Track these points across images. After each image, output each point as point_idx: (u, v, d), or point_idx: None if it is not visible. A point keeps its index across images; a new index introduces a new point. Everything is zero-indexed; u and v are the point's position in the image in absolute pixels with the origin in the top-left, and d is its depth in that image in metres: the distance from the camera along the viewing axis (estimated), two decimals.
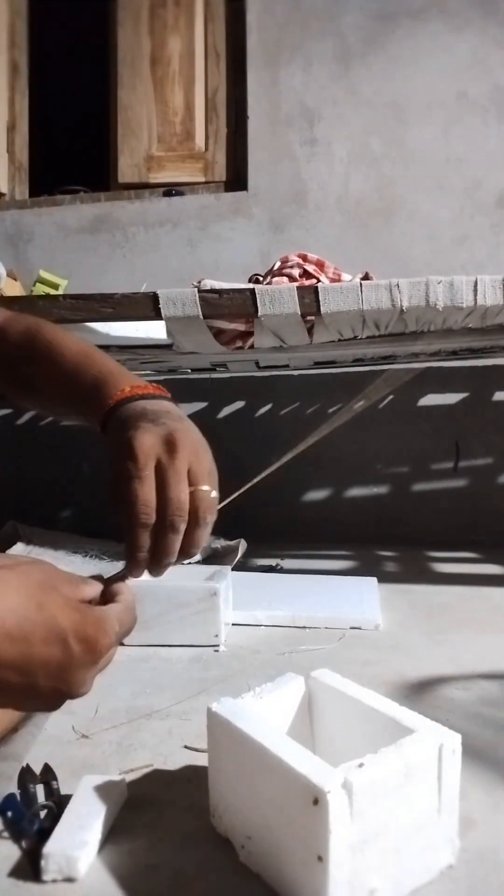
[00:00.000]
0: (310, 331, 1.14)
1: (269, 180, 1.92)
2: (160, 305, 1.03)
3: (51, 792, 0.56)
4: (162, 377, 1.91)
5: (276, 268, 1.29)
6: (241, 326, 1.18)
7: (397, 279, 1.01)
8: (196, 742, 0.68)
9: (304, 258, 1.28)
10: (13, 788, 0.56)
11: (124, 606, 0.50)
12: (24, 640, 0.41)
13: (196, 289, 1.05)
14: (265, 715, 0.54)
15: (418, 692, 0.82)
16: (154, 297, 1.04)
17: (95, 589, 0.51)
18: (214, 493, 0.56)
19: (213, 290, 1.04)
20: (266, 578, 1.34)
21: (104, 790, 0.56)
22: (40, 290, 1.33)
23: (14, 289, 1.35)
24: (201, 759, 0.65)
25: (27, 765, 0.59)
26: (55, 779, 0.58)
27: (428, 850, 0.47)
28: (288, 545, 1.68)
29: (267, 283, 1.25)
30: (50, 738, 0.70)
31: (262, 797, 0.48)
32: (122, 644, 0.53)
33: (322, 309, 1.01)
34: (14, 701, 0.45)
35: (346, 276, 1.29)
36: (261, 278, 1.32)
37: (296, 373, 1.87)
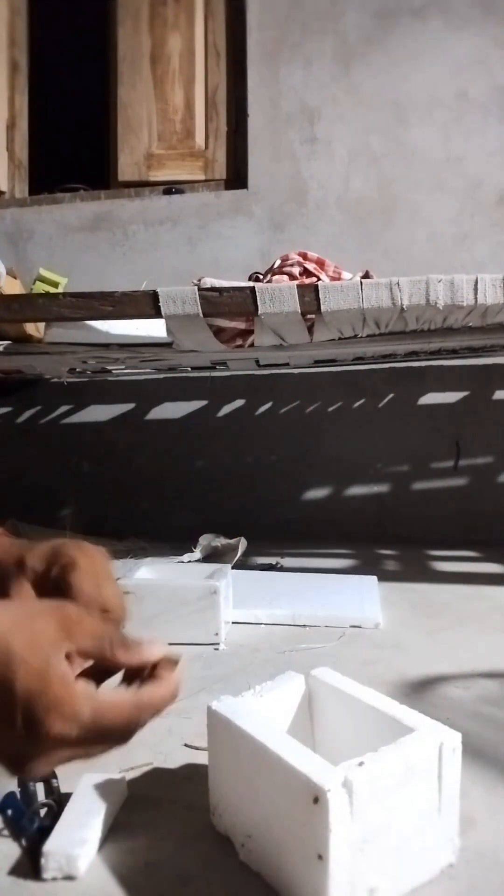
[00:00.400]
0: (310, 329, 1.14)
1: (270, 179, 1.92)
2: (160, 303, 1.03)
3: (51, 790, 0.56)
4: (162, 375, 1.91)
5: (276, 266, 1.29)
6: (241, 325, 1.18)
7: (398, 278, 1.01)
8: (196, 740, 0.68)
9: (305, 256, 1.28)
10: (13, 787, 0.56)
11: (127, 700, 0.41)
12: None
13: (196, 287, 1.05)
14: (265, 713, 0.54)
15: (418, 691, 0.82)
16: (154, 296, 1.04)
17: (103, 648, 0.42)
18: None
19: (213, 289, 1.04)
20: (266, 577, 1.34)
21: (104, 788, 0.56)
22: (40, 288, 1.33)
23: (14, 287, 1.34)
24: (201, 758, 0.65)
25: None
26: (55, 777, 0.58)
27: (428, 849, 0.47)
28: (288, 543, 1.68)
29: (267, 282, 1.25)
30: None
31: (262, 796, 0.48)
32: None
33: (322, 307, 1.01)
34: None
35: (346, 275, 1.28)
36: (261, 277, 1.31)
37: (296, 371, 1.87)
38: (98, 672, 0.43)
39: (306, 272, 1.25)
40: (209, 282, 1.11)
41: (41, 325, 1.25)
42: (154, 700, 0.41)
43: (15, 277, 1.38)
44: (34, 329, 1.25)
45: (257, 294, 1.02)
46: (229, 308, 1.04)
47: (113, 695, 0.41)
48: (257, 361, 1.62)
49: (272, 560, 1.52)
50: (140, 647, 0.43)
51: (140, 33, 2.05)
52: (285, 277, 1.24)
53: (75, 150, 2.55)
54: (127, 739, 0.41)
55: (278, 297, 1.01)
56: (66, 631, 0.41)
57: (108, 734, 0.40)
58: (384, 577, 1.33)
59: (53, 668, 0.38)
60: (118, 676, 0.44)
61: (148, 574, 1.06)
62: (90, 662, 0.43)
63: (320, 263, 1.28)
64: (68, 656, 0.40)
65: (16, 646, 0.38)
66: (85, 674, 0.42)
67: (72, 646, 0.40)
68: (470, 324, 1.13)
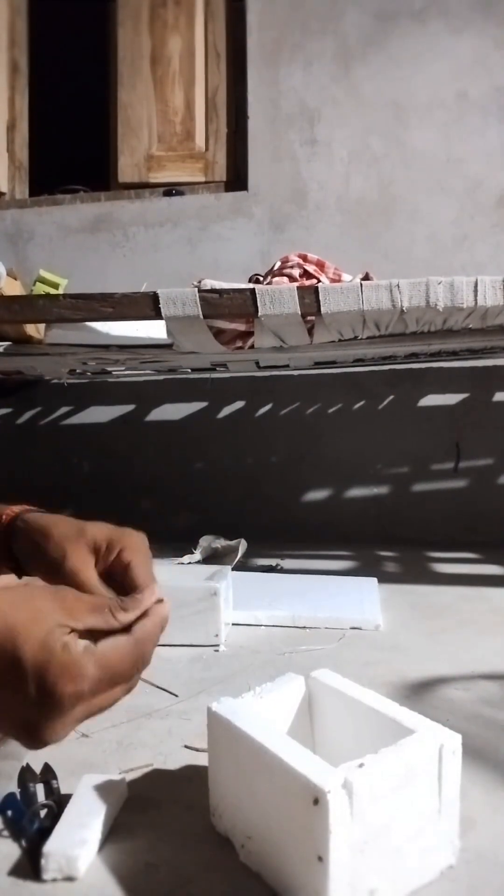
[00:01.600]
0: (310, 331, 1.14)
1: (270, 180, 1.92)
2: (160, 305, 1.03)
3: (51, 791, 0.56)
4: (162, 377, 1.91)
5: (276, 268, 1.29)
6: (241, 326, 1.18)
7: (398, 279, 1.01)
8: (196, 742, 0.68)
9: (305, 258, 1.28)
10: (13, 787, 0.56)
11: (124, 642, 0.44)
12: None
13: (196, 288, 1.05)
14: (265, 714, 0.54)
15: (419, 692, 0.82)
16: (154, 297, 1.04)
17: (105, 618, 0.45)
18: None
19: (213, 290, 1.04)
20: (266, 578, 1.34)
21: (104, 789, 0.55)
22: (40, 289, 1.33)
23: (14, 288, 1.35)
24: (201, 759, 0.65)
25: (27, 764, 0.59)
26: (55, 778, 0.58)
27: (428, 850, 0.47)
28: (288, 545, 1.68)
29: (267, 283, 1.25)
30: None
31: (262, 797, 0.48)
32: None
33: (322, 309, 1.01)
34: None
35: (346, 277, 1.29)
36: (261, 278, 1.32)
37: (296, 373, 1.87)
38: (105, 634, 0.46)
39: (306, 274, 1.25)
40: (209, 283, 1.11)
41: (41, 326, 1.25)
42: (148, 632, 0.45)
43: (15, 278, 1.38)
44: (34, 330, 1.25)
45: (257, 296, 1.02)
46: (229, 310, 1.04)
47: (111, 642, 0.44)
48: (257, 363, 1.62)
49: (272, 562, 1.52)
50: (137, 599, 0.47)
51: (140, 35, 2.05)
52: (285, 279, 1.24)
53: (75, 151, 2.55)
54: (135, 678, 0.45)
55: (278, 298, 1.02)
56: (67, 610, 0.43)
57: (118, 678, 0.44)
58: (384, 578, 1.33)
59: (55, 638, 0.41)
60: None
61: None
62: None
63: (320, 265, 1.28)
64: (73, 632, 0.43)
65: (19, 623, 0.41)
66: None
67: (77, 623, 0.43)
68: (470, 326, 1.13)
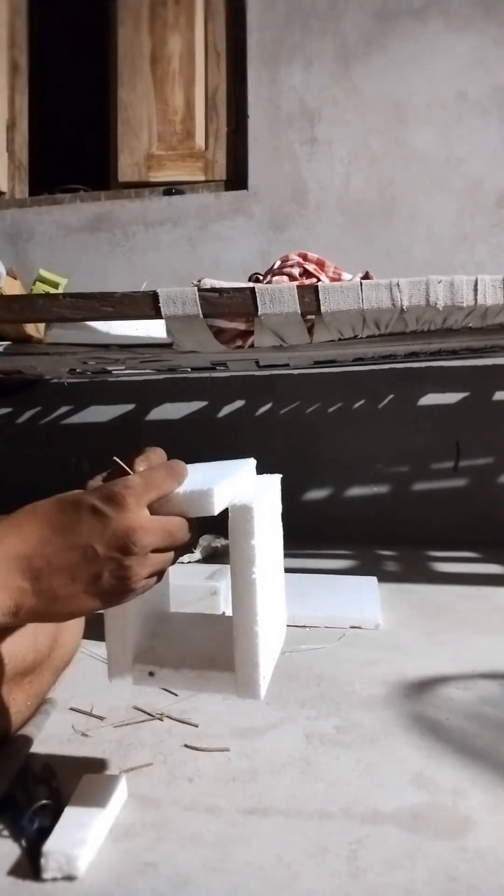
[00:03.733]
0: (310, 330, 1.14)
1: (270, 179, 1.92)
2: (160, 304, 1.03)
3: (51, 790, 0.56)
4: (162, 376, 1.91)
5: (276, 267, 1.29)
6: (241, 325, 1.18)
7: (397, 279, 1.01)
8: (196, 741, 0.68)
9: (305, 257, 1.28)
10: (13, 787, 0.56)
11: (159, 467, 0.54)
12: (64, 528, 0.48)
13: (196, 288, 1.05)
14: None
15: (418, 691, 0.82)
16: (154, 296, 1.04)
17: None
18: None
19: (213, 289, 1.04)
20: None
21: (104, 789, 0.56)
22: (40, 288, 1.33)
23: (14, 287, 1.34)
24: (201, 758, 0.65)
25: (27, 763, 0.59)
26: (55, 777, 0.58)
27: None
28: (288, 544, 1.67)
29: (267, 283, 1.25)
30: (50, 737, 0.69)
31: None
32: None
33: (322, 308, 1.01)
34: (84, 603, 0.49)
35: (346, 276, 1.28)
36: (261, 277, 1.31)
37: (296, 372, 1.87)
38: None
39: (306, 273, 1.25)
40: (209, 282, 1.11)
41: (41, 325, 1.25)
42: (175, 463, 0.56)
43: (15, 278, 1.38)
44: (34, 330, 1.25)
45: (257, 295, 1.02)
46: (229, 309, 1.04)
47: (147, 469, 0.54)
48: (257, 362, 1.62)
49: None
50: (146, 456, 0.59)
51: (140, 34, 2.05)
52: (285, 278, 1.24)
53: (75, 150, 2.56)
54: (190, 536, 0.53)
55: (278, 297, 1.01)
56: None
57: (162, 487, 0.52)
58: (384, 577, 1.33)
59: (131, 508, 0.49)
60: None
61: None
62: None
63: (320, 264, 1.28)
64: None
65: (67, 496, 0.52)
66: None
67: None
68: (470, 325, 1.13)
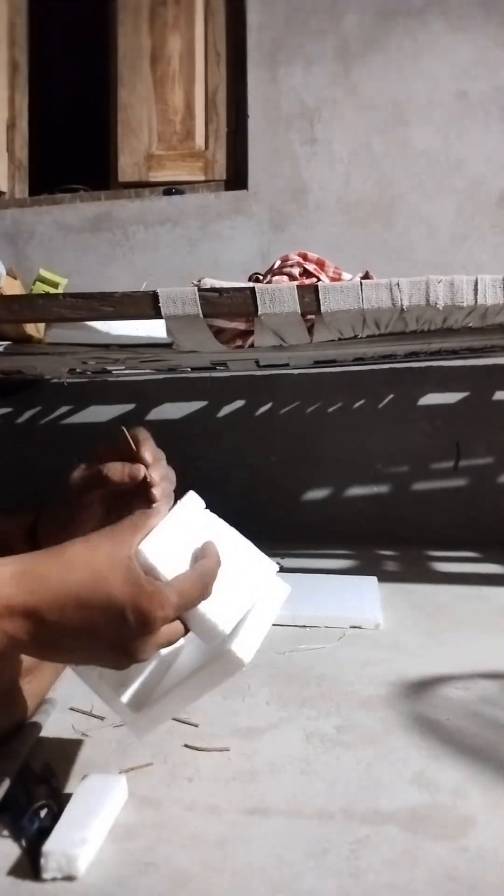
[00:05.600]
0: (310, 330, 1.14)
1: (270, 179, 1.92)
2: (160, 304, 1.03)
3: (51, 790, 0.56)
4: (162, 376, 1.91)
5: (276, 267, 1.29)
6: (241, 325, 1.18)
7: (398, 278, 1.01)
8: (196, 741, 0.68)
9: (305, 257, 1.28)
10: (13, 787, 0.56)
11: (193, 575, 0.53)
12: (88, 609, 0.48)
13: (196, 287, 1.05)
14: None
15: (418, 692, 0.82)
16: (154, 296, 1.03)
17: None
18: None
19: (213, 289, 1.04)
20: None
21: (104, 788, 0.55)
22: (40, 288, 1.33)
23: (14, 287, 1.34)
24: (201, 758, 0.65)
25: (27, 763, 0.59)
26: (55, 777, 0.58)
27: None
28: (288, 544, 1.68)
29: (267, 282, 1.25)
30: (50, 737, 0.69)
31: None
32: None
33: (322, 308, 1.01)
34: (82, 660, 0.53)
35: (346, 276, 1.28)
36: (261, 277, 1.31)
37: (296, 372, 1.87)
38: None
39: (306, 273, 1.25)
40: (209, 282, 1.11)
41: (41, 325, 1.25)
42: (209, 568, 0.54)
43: (15, 278, 1.38)
44: (34, 330, 1.25)
45: (257, 294, 1.01)
46: (229, 309, 1.04)
47: (182, 576, 0.53)
48: (257, 362, 1.62)
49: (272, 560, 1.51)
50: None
51: (140, 34, 2.05)
52: (285, 278, 1.24)
53: (75, 150, 2.55)
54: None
55: (278, 297, 1.01)
56: (134, 530, 0.53)
57: (193, 601, 0.52)
58: (384, 577, 1.33)
59: (136, 575, 0.50)
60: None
61: None
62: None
63: (320, 264, 1.28)
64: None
65: (104, 566, 0.50)
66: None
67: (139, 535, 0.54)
68: (470, 324, 1.13)
